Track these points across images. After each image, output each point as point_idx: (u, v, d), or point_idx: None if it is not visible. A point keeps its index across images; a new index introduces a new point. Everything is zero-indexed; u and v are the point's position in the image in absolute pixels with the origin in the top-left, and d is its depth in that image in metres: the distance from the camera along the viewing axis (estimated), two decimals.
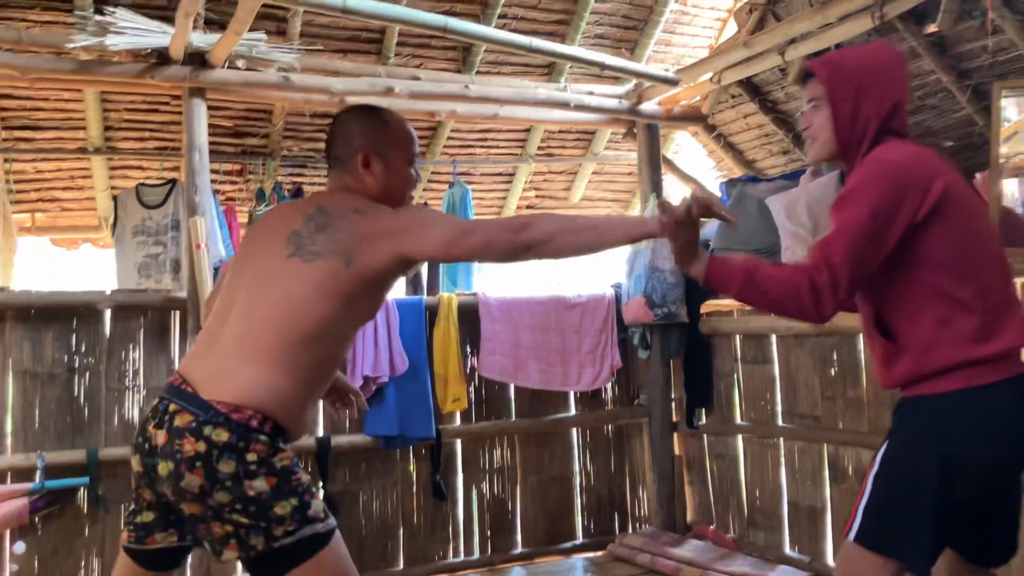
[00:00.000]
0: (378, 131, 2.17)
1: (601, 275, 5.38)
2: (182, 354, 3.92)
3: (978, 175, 3.36)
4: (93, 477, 3.74)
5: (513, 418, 4.67)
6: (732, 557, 4.26)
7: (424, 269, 5.06)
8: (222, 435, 1.81)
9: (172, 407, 1.89)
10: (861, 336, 3.80)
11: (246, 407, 1.85)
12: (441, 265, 5.07)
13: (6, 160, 4.31)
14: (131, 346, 3.92)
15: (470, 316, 4.52)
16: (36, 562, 3.70)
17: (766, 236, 4.30)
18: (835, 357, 3.95)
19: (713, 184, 5.33)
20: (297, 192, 4.73)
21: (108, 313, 3.88)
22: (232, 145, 4.70)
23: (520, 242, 1.94)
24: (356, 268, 1.95)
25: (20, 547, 3.64)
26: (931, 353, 1.90)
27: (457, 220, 2.19)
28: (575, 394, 4.82)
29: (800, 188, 4.34)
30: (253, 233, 2.21)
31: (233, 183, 4.80)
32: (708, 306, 4.75)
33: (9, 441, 3.69)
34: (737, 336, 4.57)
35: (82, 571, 3.79)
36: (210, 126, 4.04)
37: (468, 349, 4.56)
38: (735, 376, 4.59)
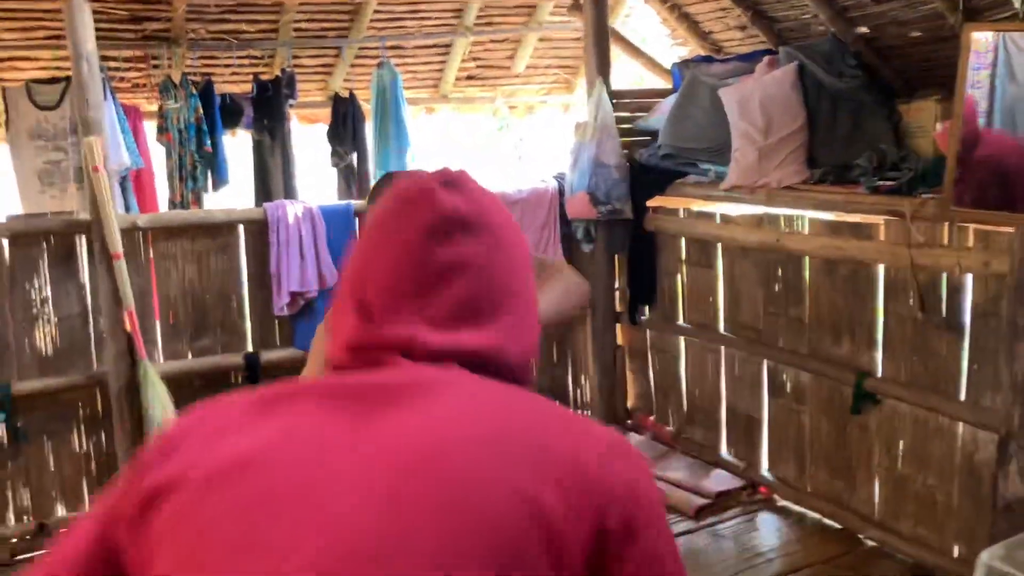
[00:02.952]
0: None
1: (542, 163, 5.10)
2: (91, 279, 3.67)
3: (939, 126, 3.11)
4: (9, 412, 3.59)
5: None
6: (669, 457, 4.31)
7: (355, 159, 4.74)
8: None
9: None
10: (807, 258, 3.67)
11: None
12: (373, 155, 4.76)
13: None
14: (35, 274, 3.65)
15: None
16: None
17: (717, 132, 4.03)
18: (779, 274, 3.81)
19: (665, 61, 4.93)
20: (207, 86, 4.29)
21: (5, 242, 3.58)
22: (131, 31, 4.21)
23: None
24: None
25: None
26: None
27: None
28: None
29: (755, 80, 4.04)
30: None
31: (139, 70, 4.34)
32: (655, 202, 4.54)
33: None
34: (683, 238, 4.40)
35: (10, 503, 3.72)
36: (103, 14, 3.58)
37: None
38: (679, 276, 4.46)
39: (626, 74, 5.58)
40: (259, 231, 3.96)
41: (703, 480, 4.02)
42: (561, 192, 4.58)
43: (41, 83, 4.05)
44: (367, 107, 4.77)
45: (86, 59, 3.46)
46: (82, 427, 3.80)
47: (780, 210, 3.74)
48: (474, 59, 5.25)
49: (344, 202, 4.20)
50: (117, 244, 3.55)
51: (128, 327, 3.62)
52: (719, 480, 4.03)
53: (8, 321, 3.62)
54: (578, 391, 5.00)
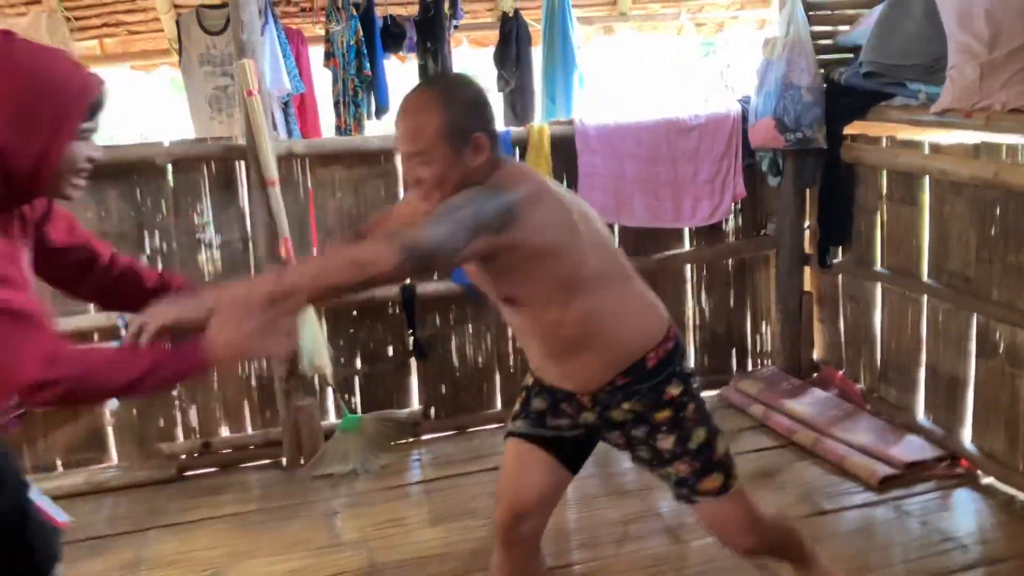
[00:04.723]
0: None
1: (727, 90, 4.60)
2: (251, 204, 3.66)
3: None
4: (172, 335, 3.68)
5: None
6: (856, 418, 3.83)
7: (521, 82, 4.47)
8: None
9: None
10: None
11: None
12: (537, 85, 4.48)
13: None
14: (197, 199, 3.70)
15: (566, 148, 3.98)
16: (134, 413, 3.79)
17: (929, 45, 3.41)
18: (997, 214, 3.21)
19: None
20: (368, 8, 4.14)
21: (169, 166, 3.63)
22: None
23: None
24: None
25: (114, 403, 3.71)
26: None
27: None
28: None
29: None
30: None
31: None
32: (853, 127, 3.97)
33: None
34: (884, 170, 3.83)
35: (178, 420, 3.86)
36: None
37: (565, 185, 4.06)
38: (878, 215, 3.90)
39: None
40: None
41: (892, 447, 3.53)
42: (745, 118, 4.12)
43: (210, 8, 4.06)
44: (537, 28, 4.47)
45: None
46: None
47: (1002, 137, 3.12)
48: None
49: (504, 129, 3.94)
50: (272, 170, 3.51)
51: (284, 254, 3.59)
52: (911, 448, 3.52)
53: (173, 244, 3.69)
54: (758, 339, 4.57)
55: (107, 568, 3.06)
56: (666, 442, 2.01)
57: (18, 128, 1.50)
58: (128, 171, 3.58)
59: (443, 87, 1.88)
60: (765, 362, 4.56)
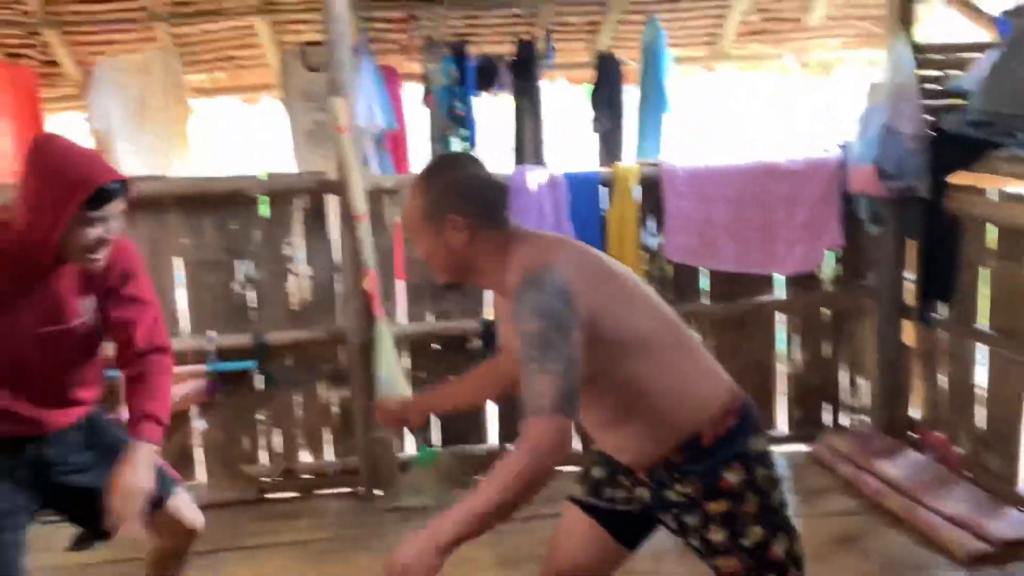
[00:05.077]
0: None
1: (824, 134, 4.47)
2: (342, 237, 3.75)
3: None
4: (261, 360, 3.80)
5: (704, 301, 4.14)
6: (952, 485, 3.60)
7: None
8: None
9: None
10: None
11: None
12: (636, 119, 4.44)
13: (172, 25, 4.18)
14: (288, 230, 3.81)
15: (652, 190, 3.93)
16: (220, 435, 3.92)
17: None
18: None
19: (992, 8, 4.07)
20: (461, 47, 4.21)
21: (263, 199, 3.76)
22: None
23: None
24: None
25: (202, 424, 3.85)
26: None
27: None
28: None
29: None
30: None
31: (401, 31, 4.37)
32: (959, 177, 3.77)
33: (183, 325, 3.81)
34: (991, 224, 3.61)
35: (263, 443, 3.97)
36: None
37: (650, 227, 4.00)
38: (984, 271, 3.68)
39: (940, 25, 4.71)
40: None
41: (990, 521, 3.29)
42: (846, 163, 3.97)
43: (314, 45, 4.21)
44: (634, 66, 4.45)
45: (336, 20, 3.50)
46: (325, 379, 3.94)
47: None
48: (760, 10, 4.70)
49: (591, 170, 3.92)
50: (360, 205, 3.59)
51: (367, 287, 3.66)
52: (1011, 524, 3.28)
53: (263, 273, 3.82)
54: (853, 393, 4.37)
55: None
56: (717, 535, 1.85)
57: (33, 209, 2.01)
58: (224, 202, 3.73)
59: (426, 172, 1.90)
60: (859, 418, 4.36)
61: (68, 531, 2.43)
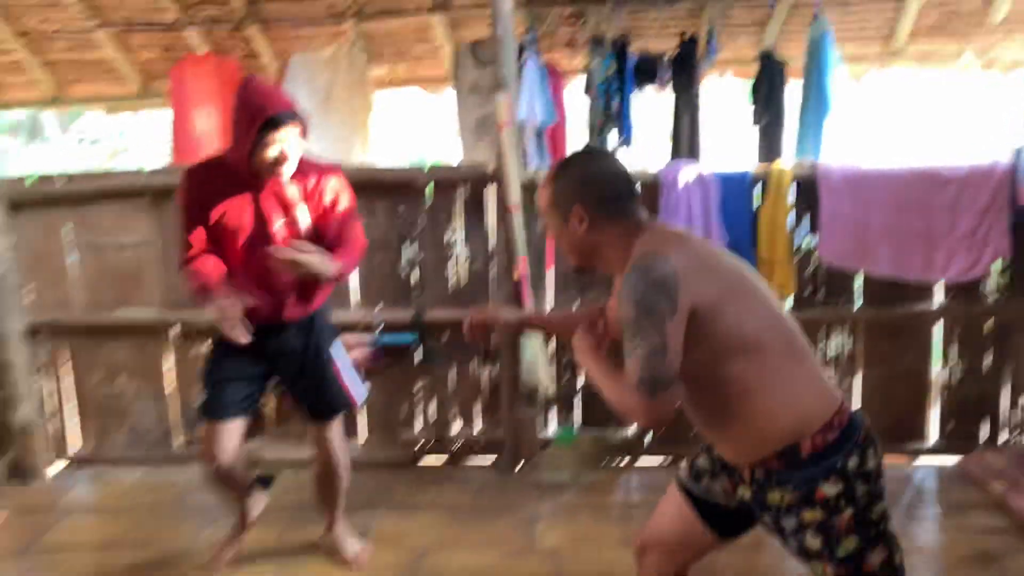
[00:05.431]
0: None
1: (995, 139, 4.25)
2: (498, 225, 3.98)
3: None
4: (420, 335, 4.11)
5: (856, 306, 4.09)
6: None
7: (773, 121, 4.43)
8: None
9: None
10: None
11: None
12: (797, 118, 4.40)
13: (357, 22, 4.54)
14: (450, 216, 4.09)
15: (809, 190, 3.92)
16: (381, 401, 4.27)
17: None
18: None
19: None
20: (622, 44, 4.32)
21: (429, 187, 4.06)
22: None
23: None
24: None
25: (364, 393, 4.20)
26: None
27: None
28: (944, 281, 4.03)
29: None
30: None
31: (569, 26, 4.53)
32: None
33: (354, 299, 4.18)
34: None
35: (419, 411, 4.29)
36: None
37: (802, 229, 3.99)
38: None
39: None
40: (651, 193, 3.94)
41: None
42: (1017, 171, 3.80)
43: (484, 42, 4.45)
44: (799, 64, 4.41)
45: (503, 20, 3.71)
46: (476, 357, 4.21)
47: None
48: (940, 4, 4.51)
49: (743, 169, 3.95)
50: (514, 197, 3.81)
51: (517, 275, 3.88)
52: None
53: (426, 256, 4.12)
54: (1013, 409, 4.18)
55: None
56: (813, 542, 1.88)
57: (233, 135, 2.69)
58: (394, 189, 4.05)
59: (558, 164, 2.06)
60: (1017, 436, 4.17)
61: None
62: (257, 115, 2.58)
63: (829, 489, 1.84)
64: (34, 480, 4.14)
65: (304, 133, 2.72)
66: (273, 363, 2.97)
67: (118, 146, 12.11)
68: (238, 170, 2.72)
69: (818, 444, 1.85)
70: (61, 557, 3.42)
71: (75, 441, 4.37)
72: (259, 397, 3.05)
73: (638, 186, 2.11)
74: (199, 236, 2.79)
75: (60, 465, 4.30)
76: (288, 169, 2.72)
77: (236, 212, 2.76)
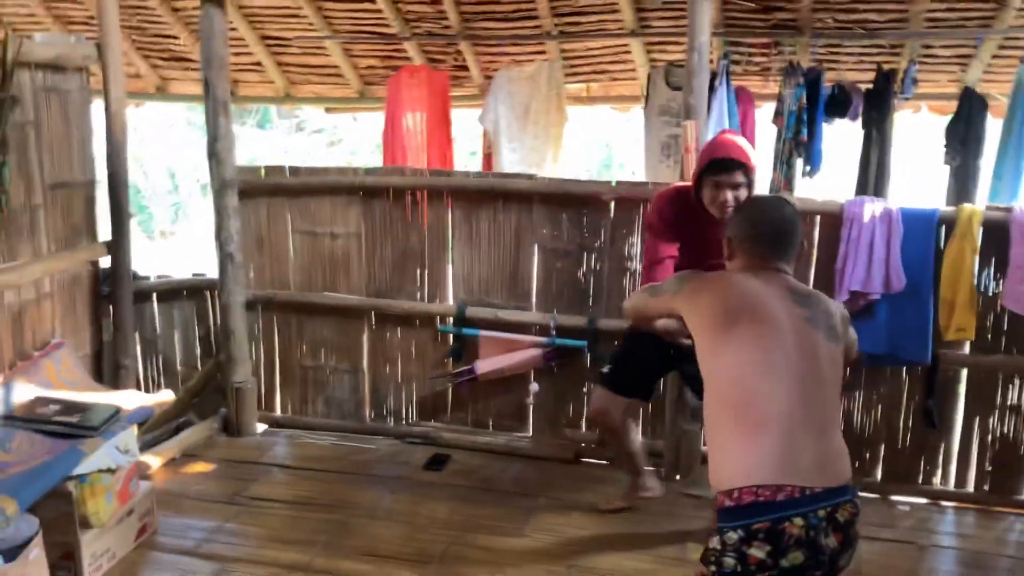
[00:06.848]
0: None
1: None
2: None
3: None
4: (591, 341, 4.34)
5: None
6: None
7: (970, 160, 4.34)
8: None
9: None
10: None
11: None
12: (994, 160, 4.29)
13: (560, 42, 4.82)
14: (630, 232, 4.29)
15: (997, 235, 3.84)
16: (550, 399, 4.54)
17: None
18: None
19: None
20: (816, 75, 4.36)
21: (612, 203, 4.27)
22: (760, 20, 4.49)
23: None
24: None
25: (535, 387, 4.49)
26: None
27: None
28: None
29: None
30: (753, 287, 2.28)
31: (764, 55, 4.62)
32: None
33: (533, 301, 4.47)
34: None
35: (585, 410, 4.52)
36: (735, 4, 3.93)
37: (988, 274, 3.91)
38: None
39: None
40: (833, 224, 3.98)
41: None
42: None
43: (677, 66, 4.62)
44: (1003, 103, 4.30)
45: (698, 49, 3.85)
46: None
47: None
48: None
49: (930, 207, 3.92)
50: None
51: None
52: None
53: (604, 267, 4.34)
54: None
55: (499, 518, 3.82)
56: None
57: (692, 175, 3.22)
58: (580, 201, 4.29)
59: (745, 203, 2.71)
60: None
61: None
62: (704, 159, 3.05)
63: (714, 541, 2.07)
64: (244, 436, 4.70)
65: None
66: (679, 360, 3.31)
67: (334, 137, 13.14)
68: (694, 205, 3.18)
69: (721, 501, 2.07)
70: (262, 507, 3.90)
71: (277, 405, 4.92)
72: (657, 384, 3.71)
73: (798, 228, 2.40)
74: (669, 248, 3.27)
75: (263, 426, 4.85)
76: (726, 211, 3.03)
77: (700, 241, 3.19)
